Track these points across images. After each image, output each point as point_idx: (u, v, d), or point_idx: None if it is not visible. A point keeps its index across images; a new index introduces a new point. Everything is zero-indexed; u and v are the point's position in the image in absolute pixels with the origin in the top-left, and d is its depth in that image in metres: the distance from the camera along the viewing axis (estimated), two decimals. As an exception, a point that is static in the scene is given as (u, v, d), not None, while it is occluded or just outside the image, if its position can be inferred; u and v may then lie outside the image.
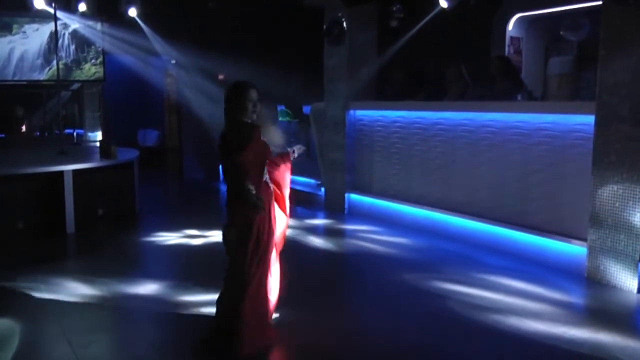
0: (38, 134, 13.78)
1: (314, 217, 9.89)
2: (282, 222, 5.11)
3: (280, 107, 11.99)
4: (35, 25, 12.76)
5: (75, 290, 6.06)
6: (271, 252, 4.85)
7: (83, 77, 13.48)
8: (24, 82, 12.81)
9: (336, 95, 10.04)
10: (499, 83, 8.52)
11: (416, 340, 5.01)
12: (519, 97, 9.19)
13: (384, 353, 4.75)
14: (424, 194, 8.74)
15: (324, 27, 10.01)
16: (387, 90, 10.13)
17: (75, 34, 13.15)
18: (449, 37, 10.31)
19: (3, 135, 13.25)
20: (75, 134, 13.65)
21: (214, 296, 5.78)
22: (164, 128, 16.51)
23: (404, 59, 10.27)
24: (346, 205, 10.04)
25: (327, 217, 9.94)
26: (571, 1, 9.54)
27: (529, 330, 5.07)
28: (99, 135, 14.02)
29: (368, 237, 8.43)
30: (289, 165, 5.18)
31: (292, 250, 6.49)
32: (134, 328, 5.16)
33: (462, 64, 8.99)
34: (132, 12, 12.66)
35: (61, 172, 8.39)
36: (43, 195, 8.52)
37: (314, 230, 8.99)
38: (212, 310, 5.46)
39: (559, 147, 6.92)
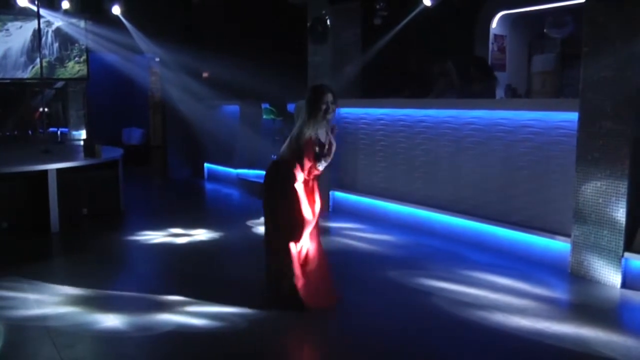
0: (14, 132, 13.70)
1: (299, 214, 9.86)
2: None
3: (265, 105, 11.98)
4: (18, 23, 12.68)
5: (59, 290, 6.02)
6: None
7: (67, 75, 13.41)
8: (8, 80, 12.74)
9: (321, 93, 10.00)
10: (475, 84, 8.56)
11: (401, 337, 5.02)
12: (503, 95, 9.24)
13: (369, 349, 4.76)
14: (408, 191, 8.76)
15: (308, 24, 10.01)
16: (384, 88, 10.12)
17: (58, 32, 13.09)
18: (432, 34, 10.33)
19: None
20: (59, 132, 13.59)
21: (199, 295, 5.82)
22: (149, 126, 16.46)
23: (387, 56, 10.29)
24: (330, 203, 10.03)
25: (312, 214, 9.91)
26: (554, -2, 9.60)
27: (513, 326, 5.09)
28: (83, 134, 13.95)
29: (352, 234, 8.43)
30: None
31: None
32: (118, 327, 5.14)
33: (449, 60, 9.01)
34: (116, 9, 12.66)
35: (45, 171, 8.34)
36: (27, 195, 8.46)
37: (299, 228, 8.97)
38: (197, 308, 5.49)
39: (543, 144, 6.95)
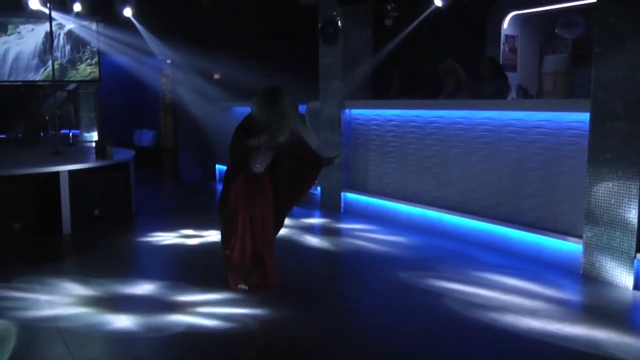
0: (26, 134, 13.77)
1: (309, 216, 9.88)
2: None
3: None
4: (30, 26, 12.75)
5: (71, 291, 6.05)
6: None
7: (78, 78, 13.47)
8: (20, 83, 12.80)
9: (331, 95, 10.04)
10: (486, 84, 8.54)
11: (412, 338, 5.02)
12: (514, 95, 9.21)
13: (379, 351, 4.76)
14: (419, 192, 8.75)
15: (319, 26, 10.01)
16: (391, 88, 10.11)
17: (70, 34, 13.15)
18: (444, 35, 10.32)
19: (4, 136, 13.30)
20: (71, 134, 13.64)
21: (210, 295, 5.85)
22: (160, 128, 16.51)
23: (399, 57, 10.28)
24: (342, 204, 10.04)
25: (323, 216, 9.94)
26: (566, -1, 9.58)
27: (524, 328, 5.07)
28: (94, 136, 14.02)
29: (364, 235, 8.43)
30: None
31: (288, 249, 6.51)
32: (130, 328, 5.15)
33: (455, 58, 8.99)
34: (127, 12, 12.68)
35: (57, 173, 8.37)
36: (39, 196, 8.51)
37: (309, 229, 8.99)
38: (208, 309, 5.50)
39: (554, 145, 6.92)
